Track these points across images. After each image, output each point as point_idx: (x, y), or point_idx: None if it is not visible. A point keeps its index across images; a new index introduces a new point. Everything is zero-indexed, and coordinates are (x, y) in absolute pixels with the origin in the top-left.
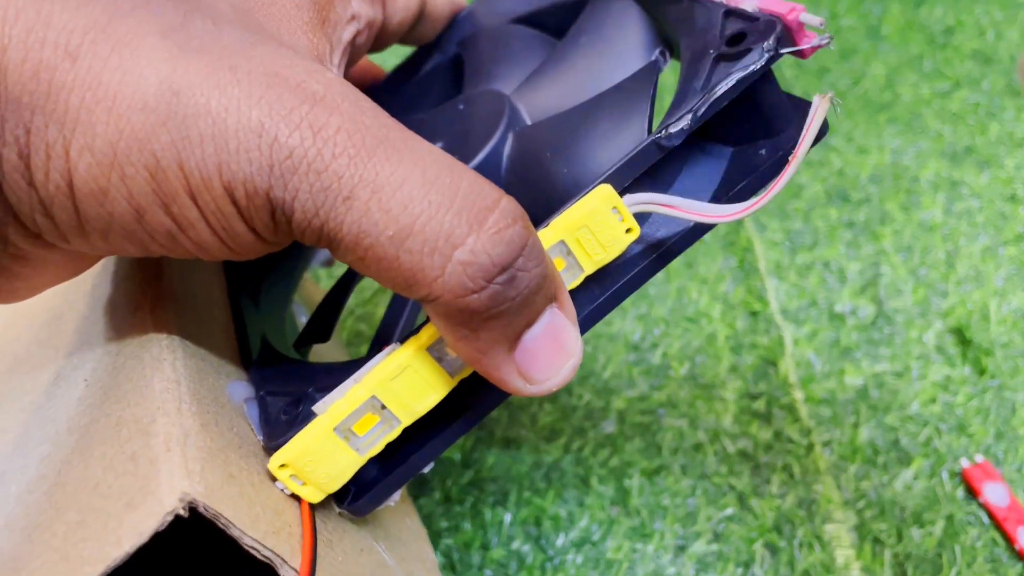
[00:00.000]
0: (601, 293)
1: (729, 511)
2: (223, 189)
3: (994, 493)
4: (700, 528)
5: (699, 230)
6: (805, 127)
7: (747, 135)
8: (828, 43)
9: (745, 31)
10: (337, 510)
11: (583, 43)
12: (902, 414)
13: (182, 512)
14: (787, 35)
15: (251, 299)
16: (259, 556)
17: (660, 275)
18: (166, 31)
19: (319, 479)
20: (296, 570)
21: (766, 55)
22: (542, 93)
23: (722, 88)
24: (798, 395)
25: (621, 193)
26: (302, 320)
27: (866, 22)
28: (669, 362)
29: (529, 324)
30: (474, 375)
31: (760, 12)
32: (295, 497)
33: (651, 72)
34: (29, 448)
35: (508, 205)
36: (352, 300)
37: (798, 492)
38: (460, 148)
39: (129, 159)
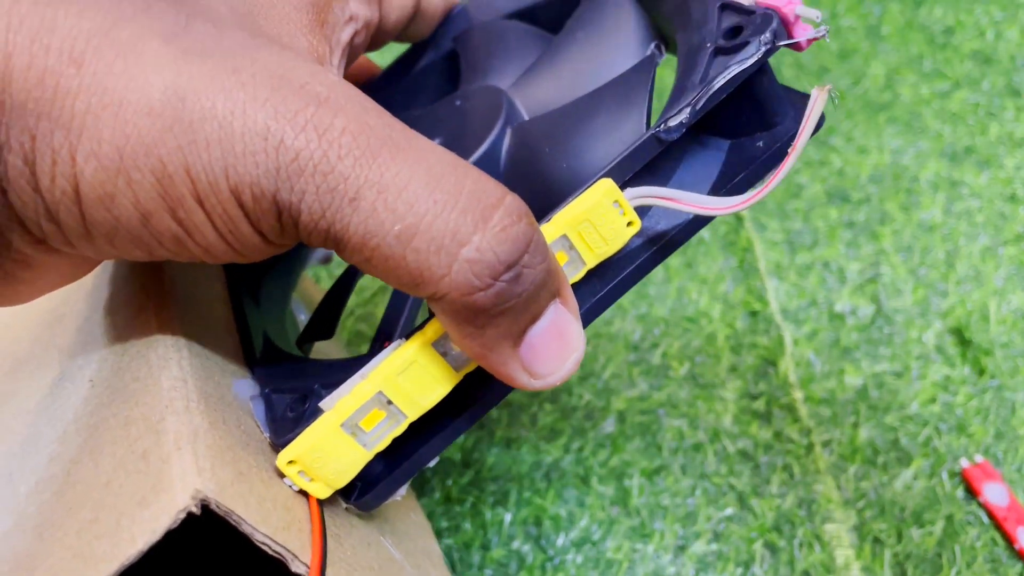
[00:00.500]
0: (603, 286)
1: (729, 511)
2: (230, 192)
3: (994, 493)
4: (700, 528)
5: (699, 222)
6: (804, 119)
7: (745, 127)
8: (824, 35)
9: (742, 24)
10: (344, 505)
11: (579, 38)
12: (902, 414)
13: (195, 510)
14: (784, 28)
15: (251, 298)
16: (270, 552)
17: (660, 275)
18: (169, 36)
19: (327, 475)
20: (307, 565)
21: (763, 48)
22: (539, 88)
23: (720, 81)
24: (798, 395)
25: (621, 187)
26: (301, 318)
27: (866, 22)
28: (669, 362)
29: (534, 320)
30: (479, 369)
31: (756, 5)
32: (303, 493)
33: (648, 66)
34: (38, 448)
35: (512, 202)
36: (352, 300)
37: (798, 492)
38: (458, 144)
39: (136, 164)
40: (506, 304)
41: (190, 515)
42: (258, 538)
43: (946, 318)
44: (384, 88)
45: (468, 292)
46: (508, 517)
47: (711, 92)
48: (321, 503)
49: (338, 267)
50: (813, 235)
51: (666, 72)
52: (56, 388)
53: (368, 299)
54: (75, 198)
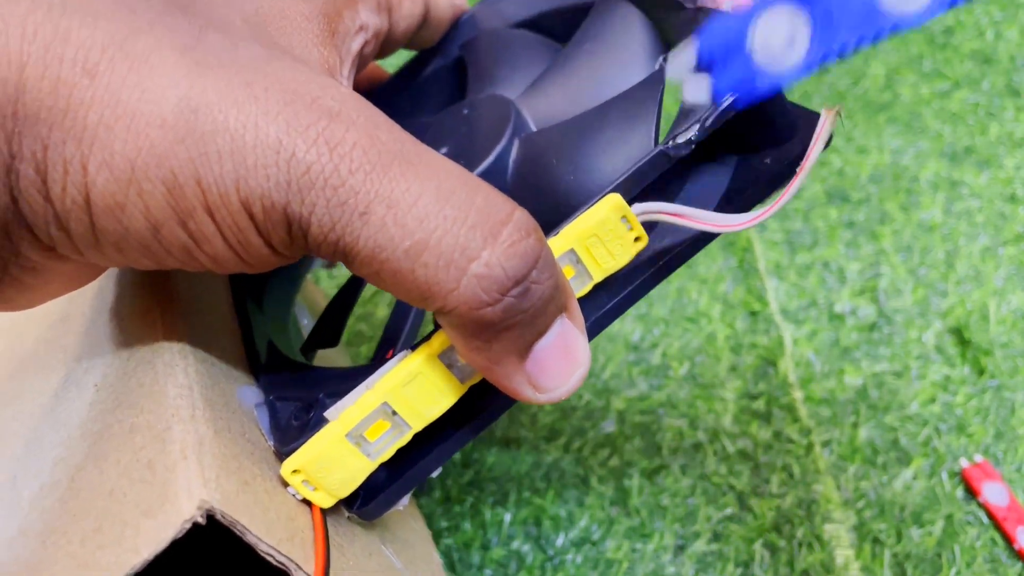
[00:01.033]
0: (608, 300)
1: (729, 511)
2: (240, 204)
3: (993, 493)
4: (700, 528)
5: (706, 238)
6: (812, 140)
7: (753, 144)
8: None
9: None
10: (346, 514)
11: (587, 49)
12: (901, 414)
13: (200, 520)
14: None
15: (255, 302)
16: (274, 562)
17: None
18: (183, 47)
19: (330, 484)
20: (310, 575)
21: None
22: (547, 99)
23: (729, 99)
24: (798, 395)
25: (629, 202)
26: (304, 322)
27: None
28: (669, 362)
29: (540, 334)
30: (484, 380)
31: None
32: (307, 502)
33: (657, 81)
34: (42, 452)
35: (522, 218)
36: None
37: (798, 492)
38: (465, 153)
39: (147, 175)
40: (513, 319)
41: (195, 524)
42: (263, 548)
43: (946, 318)
44: (391, 94)
45: (476, 307)
46: (508, 517)
47: (720, 110)
48: (324, 512)
49: (342, 270)
50: (813, 235)
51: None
52: (61, 391)
53: (368, 299)
54: (85, 207)
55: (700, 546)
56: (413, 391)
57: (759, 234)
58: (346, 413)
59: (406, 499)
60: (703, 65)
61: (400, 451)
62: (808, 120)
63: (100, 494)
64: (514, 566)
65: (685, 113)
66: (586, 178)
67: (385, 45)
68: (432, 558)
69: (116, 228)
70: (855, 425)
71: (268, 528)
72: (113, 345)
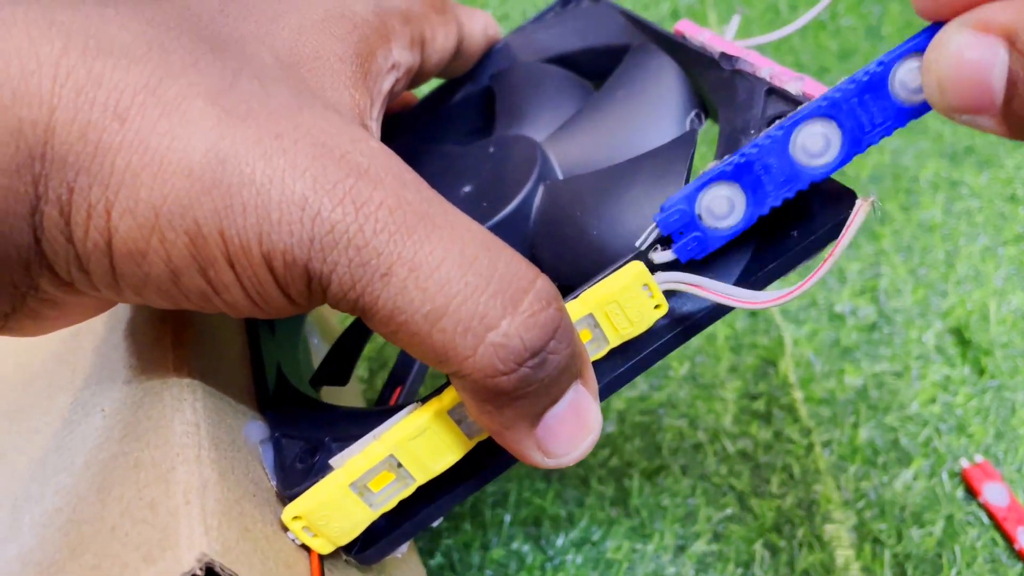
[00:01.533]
0: (623, 363)
1: (729, 511)
2: (262, 258)
3: (994, 493)
4: (700, 528)
5: (726, 308)
6: (844, 229)
7: (780, 216)
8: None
9: (787, 114)
10: (344, 557)
11: (619, 97)
12: (902, 414)
13: (199, 572)
14: None
15: (267, 324)
16: None
17: None
18: (215, 95)
19: (331, 532)
20: None
21: None
22: (575, 145)
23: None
24: (798, 395)
25: (652, 269)
26: (314, 342)
27: (866, 22)
28: (669, 362)
29: (553, 402)
30: (491, 437)
31: (804, 96)
32: (306, 547)
33: (689, 142)
34: (44, 475)
35: (543, 286)
36: None
37: (798, 492)
38: (489, 194)
39: (171, 224)
40: (528, 388)
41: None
42: None
43: (946, 318)
44: (420, 118)
45: (491, 375)
46: (508, 517)
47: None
48: (322, 558)
49: None
50: None
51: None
52: (67, 412)
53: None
54: (107, 251)
55: (700, 546)
56: (420, 445)
57: None
58: (351, 462)
59: (405, 546)
60: (664, 235)
61: (402, 501)
62: (836, 195)
63: (101, 530)
64: (514, 566)
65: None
66: (610, 235)
67: (416, 78)
68: None
69: (136, 272)
70: (855, 425)
71: None
72: (123, 369)
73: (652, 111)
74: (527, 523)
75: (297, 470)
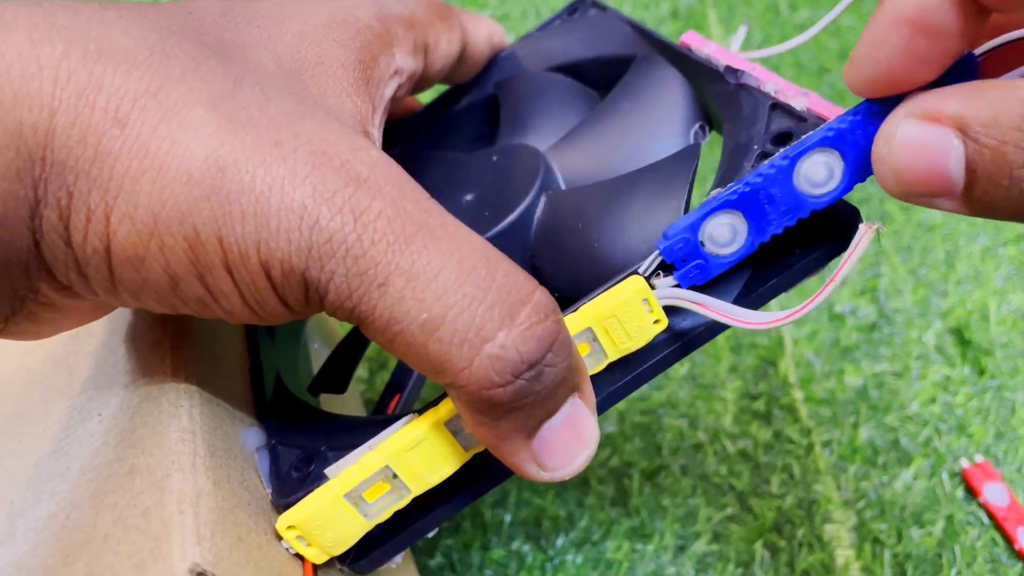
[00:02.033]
0: (622, 378)
1: (729, 511)
2: (260, 265)
3: (994, 493)
4: (700, 528)
5: (725, 325)
6: (847, 254)
7: (781, 235)
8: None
9: (792, 131)
10: (338, 566)
11: (624, 108)
12: (902, 414)
13: None
14: None
15: (267, 330)
16: None
17: None
18: (216, 101)
19: (325, 542)
20: None
21: None
22: (578, 155)
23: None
24: (798, 395)
25: (652, 284)
26: (315, 346)
27: (866, 22)
28: None
29: (550, 415)
30: (487, 449)
31: (809, 113)
32: (300, 556)
33: (692, 156)
34: (40, 480)
35: (541, 298)
36: None
37: (798, 492)
38: (491, 203)
39: (169, 230)
40: (524, 400)
41: None
42: None
43: (946, 318)
44: (424, 124)
45: (487, 387)
46: (508, 517)
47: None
48: (316, 568)
49: None
50: None
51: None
52: (64, 416)
53: None
54: (105, 256)
55: (700, 546)
56: (416, 456)
57: None
58: (346, 473)
59: (400, 557)
60: (667, 263)
61: (397, 511)
62: (838, 215)
63: (94, 538)
64: (514, 566)
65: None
66: (611, 248)
67: (419, 84)
68: None
69: (134, 278)
70: (855, 425)
71: None
72: (121, 374)
73: (656, 123)
74: (527, 523)
75: (293, 479)
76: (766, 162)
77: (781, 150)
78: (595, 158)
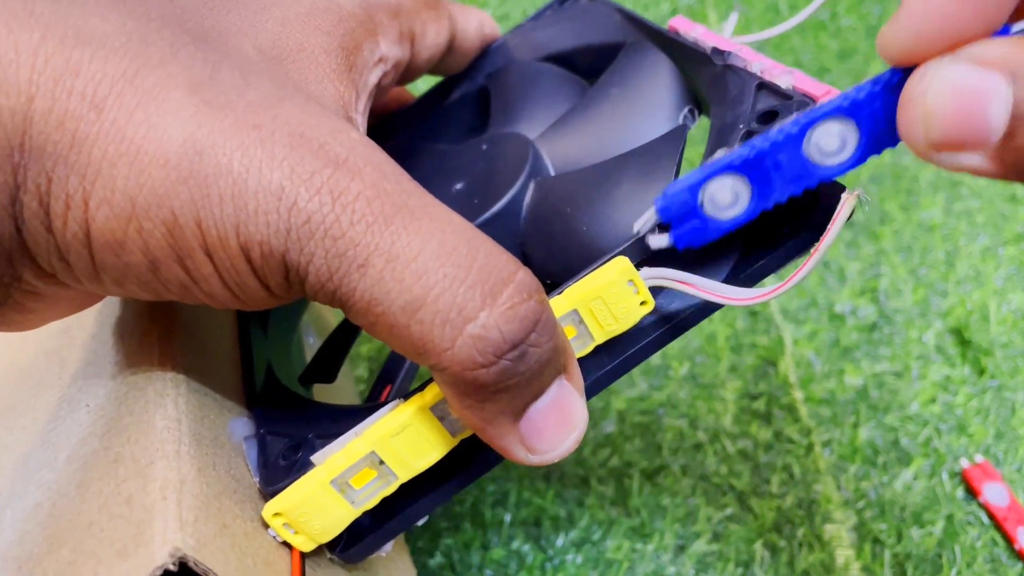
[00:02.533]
0: (610, 361)
1: (729, 511)
2: (239, 248)
3: (994, 493)
4: (700, 528)
5: (714, 305)
6: (830, 223)
7: (769, 213)
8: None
9: (777, 109)
10: (328, 555)
11: (612, 95)
12: (902, 414)
13: (172, 567)
14: None
15: (259, 324)
16: None
17: None
18: (194, 85)
19: (312, 530)
20: None
21: None
22: (567, 142)
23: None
24: (798, 395)
25: (638, 265)
26: (310, 341)
27: (866, 22)
28: (669, 362)
29: (536, 396)
30: (475, 435)
31: (794, 91)
32: (287, 544)
33: (678, 137)
34: (28, 471)
35: (524, 278)
36: None
37: (798, 492)
38: (480, 191)
39: (147, 214)
40: (508, 381)
41: (166, 571)
42: None
43: (946, 318)
44: (416, 117)
45: (470, 368)
46: (508, 517)
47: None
48: (304, 555)
49: None
50: None
51: (697, 133)
52: (54, 408)
53: None
54: (85, 241)
55: (700, 546)
56: (402, 442)
57: None
58: (332, 459)
59: (389, 545)
60: (663, 222)
61: (386, 499)
62: (827, 191)
63: (78, 525)
64: (514, 566)
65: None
66: (600, 231)
67: (407, 74)
68: None
69: (115, 263)
70: (855, 425)
71: (244, 574)
72: (109, 364)
73: (645, 108)
74: (527, 523)
75: (280, 467)
76: (776, 126)
77: (794, 115)
78: (584, 144)
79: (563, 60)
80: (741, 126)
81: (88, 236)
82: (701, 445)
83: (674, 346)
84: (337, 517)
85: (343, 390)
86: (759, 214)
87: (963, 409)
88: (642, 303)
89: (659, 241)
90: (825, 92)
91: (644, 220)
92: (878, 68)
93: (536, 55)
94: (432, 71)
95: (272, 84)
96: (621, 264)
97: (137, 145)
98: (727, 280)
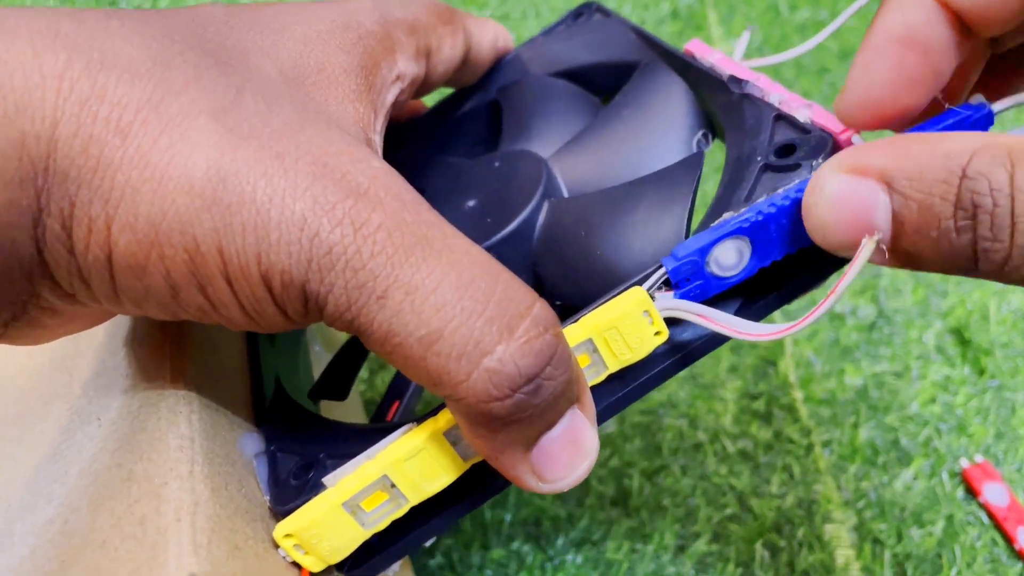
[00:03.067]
0: (622, 388)
1: (729, 511)
2: (260, 277)
3: (994, 493)
4: (700, 528)
5: (725, 338)
6: (848, 267)
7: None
8: None
9: (795, 143)
10: (335, 574)
11: (626, 116)
12: (902, 414)
13: None
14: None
15: (267, 335)
16: None
17: None
18: (217, 111)
19: (322, 550)
20: None
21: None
22: (581, 162)
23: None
24: (798, 395)
25: (652, 294)
26: (316, 349)
27: (866, 22)
28: None
29: (549, 427)
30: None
31: (812, 125)
32: (297, 565)
33: (695, 165)
34: (38, 484)
35: (540, 312)
36: None
37: (798, 492)
38: (493, 210)
39: (170, 240)
40: (522, 414)
41: None
42: None
43: (946, 318)
44: (429, 127)
45: (485, 400)
46: (508, 517)
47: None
48: (313, 575)
49: None
50: None
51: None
52: (63, 419)
53: None
54: (107, 265)
55: (700, 546)
56: (414, 466)
57: None
58: (344, 482)
59: (397, 565)
60: (673, 282)
61: (395, 520)
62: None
63: (91, 544)
64: (514, 566)
65: (718, 208)
66: (613, 257)
67: (421, 88)
68: None
69: (135, 286)
70: (855, 425)
71: None
72: (120, 378)
73: (659, 130)
74: (527, 523)
75: (291, 486)
76: (780, 192)
77: (795, 183)
78: (598, 165)
79: (576, 76)
80: (759, 158)
81: (110, 260)
82: (701, 445)
83: None
84: (348, 539)
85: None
86: (753, 274)
87: (963, 409)
88: (656, 333)
89: (665, 299)
90: (843, 130)
91: (653, 281)
92: None
93: (549, 70)
94: (446, 83)
95: (294, 109)
96: (637, 295)
97: (161, 171)
98: (739, 311)
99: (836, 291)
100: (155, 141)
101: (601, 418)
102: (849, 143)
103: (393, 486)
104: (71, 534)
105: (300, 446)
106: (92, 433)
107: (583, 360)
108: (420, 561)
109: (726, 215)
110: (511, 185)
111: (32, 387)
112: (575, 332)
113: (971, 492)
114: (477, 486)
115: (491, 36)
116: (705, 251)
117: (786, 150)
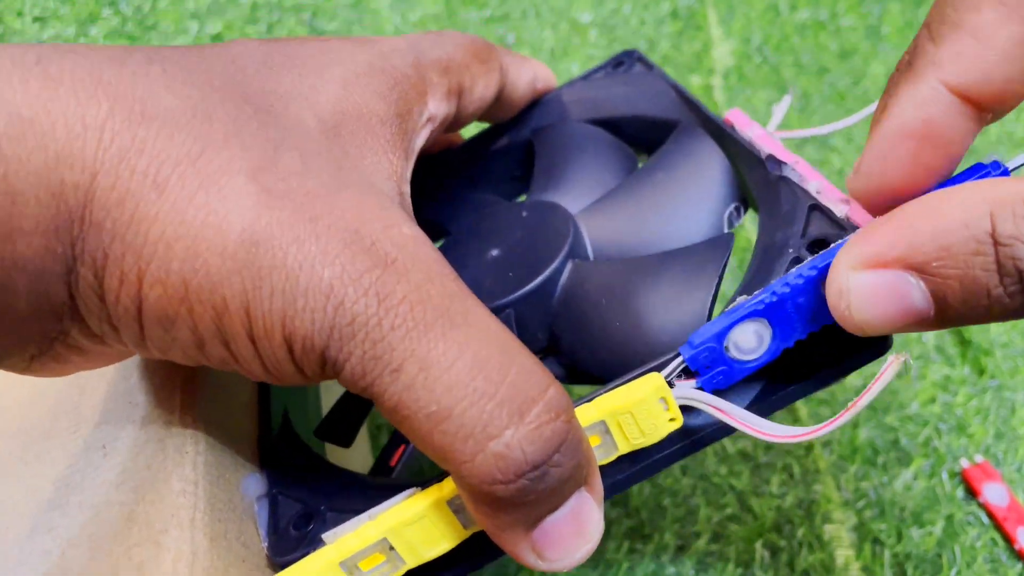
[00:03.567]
0: (630, 468)
1: (729, 511)
2: (283, 339)
3: (994, 493)
4: (700, 528)
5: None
6: (873, 382)
7: (802, 342)
8: None
9: (829, 240)
10: None
11: (660, 180)
12: (902, 414)
13: None
14: None
15: None
16: None
17: None
18: (255, 171)
19: None
20: None
21: None
22: (609, 223)
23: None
24: None
25: (669, 381)
26: None
27: (866, 22)
28: None
29: (553, 510)
30: None
31: (848, 222)
32: None
33: (724, 246)
34: (39, 509)
35: (553, 396)
36: None
37: (798, 492)
38: (518, 262)
39: (200, 297)
40: (526, 498)
41: None
42: None
43: None
44: (460, 161)
45: (489, 483)
46: None
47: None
48: None
49: None
50: None
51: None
52: (69, 445)
53: None
54: (136, 315)
55: (700, 546)
56: (415, 531)
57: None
58: (343, 541)
59: None
60: (692, 370)
61: None
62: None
63: None
64: (514, 566)
65: (744, 294)
66: (632, 329)
67: (452, 125)
68: None
69: (163, 336)
70: (855, 425)
71: None
72: (129, 407)
73: (692, 199)
74: None
75: (291, 537)
76: (794, 270)
77: (809, 259)
78: (626, 228)
79: (612, 125)
80: (791, 250)
81: (139, 311)
82: None
83: None
84: None
85: None
86: (781, 353)
87: (963, 409)
88: (671, 420)
89: (686, 389)
90: None
91: (671, 369)
92: (878, 68)
93: (586, 116)
94: (479, 119)
95: (330, 168)
96: (655, 381)
97: (196, 230)
98: (754, 402)
99: (858, 404)
100: (191, 198)
101: (607, 495)
102: None
103: (392, 548)
104: (67, 570)
105: (302, 493)
106: (96, 462)
107: (594, 440)
108: None
109: (740, 298)
110: (537, 239)
111: (38, 400)
112: (588, 412)
113: (971, 492)
114: (476, 552)
115: (530, 76)
116: (721, 336)
117: (819, 244)
